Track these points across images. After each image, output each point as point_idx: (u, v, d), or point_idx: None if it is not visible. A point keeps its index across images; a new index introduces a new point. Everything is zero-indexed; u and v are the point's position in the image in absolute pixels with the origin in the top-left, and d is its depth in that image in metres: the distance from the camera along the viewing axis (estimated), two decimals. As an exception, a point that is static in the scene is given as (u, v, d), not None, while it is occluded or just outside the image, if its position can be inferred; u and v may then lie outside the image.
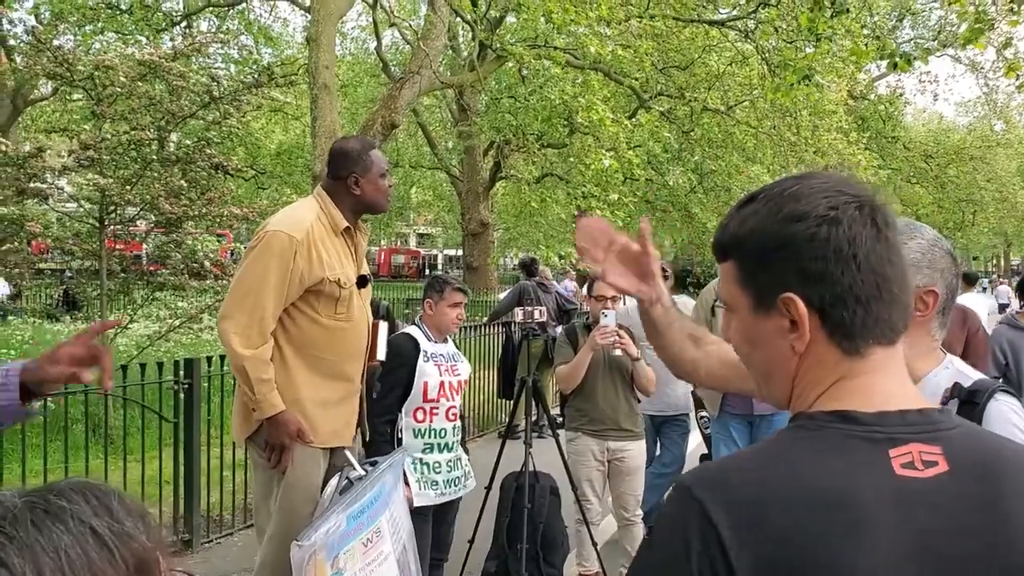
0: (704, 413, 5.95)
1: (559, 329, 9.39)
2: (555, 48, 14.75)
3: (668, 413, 5.71)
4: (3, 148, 7.82)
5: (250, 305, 3.01)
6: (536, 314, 4.95)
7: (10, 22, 16.23)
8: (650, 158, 19.92)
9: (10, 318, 14.36)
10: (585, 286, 4.98)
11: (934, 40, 15.80)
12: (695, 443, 6.41)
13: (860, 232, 1.02)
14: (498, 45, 16.20)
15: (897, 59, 8.53)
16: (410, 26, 21.35)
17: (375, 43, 21.40)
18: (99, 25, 18.20)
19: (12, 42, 19.53)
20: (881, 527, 0.92)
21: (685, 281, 23.40)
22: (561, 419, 5.26)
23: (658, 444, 5.84)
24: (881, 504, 0.93)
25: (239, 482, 5.86)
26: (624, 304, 4.96)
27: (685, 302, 5.98)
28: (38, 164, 7.60)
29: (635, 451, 4.75)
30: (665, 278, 5.85)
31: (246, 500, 5.91)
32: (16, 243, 8.18)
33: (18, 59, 18.50)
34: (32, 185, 7.61)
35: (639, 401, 4.83)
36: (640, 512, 4.85)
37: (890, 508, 0.93)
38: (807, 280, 1.02)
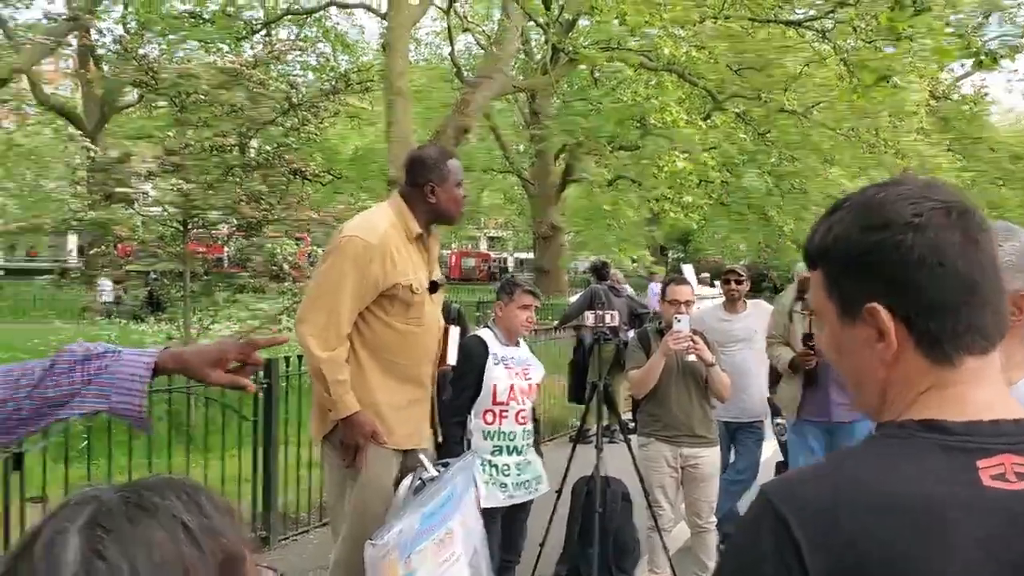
0: (780, 420, 5.85)
1: (631, 333, 9.34)
2: (628, 50, 14.67)
3: (743, 419, 5.63)
4: (92, 154, 8.13)
5: (327, 308, 3.07)
6: (608, 318, 4.93)
7: (99, 32, 16.83)
8: (725, 160, 19.65)
9: (112, 319, 14.85)
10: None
11: (1022, 37, 15.23)
12: (771, 450, 6.31)
13: (947, 239, 0.99)
14: (571, 48, 16.19)
15: (983, 57, 8.28)
16: (483, 31, 21.50)
17: (449, 48, 21.62)
18: (182, 34, 18.75)
19: (101, 51, 20.25)
20: (960, 537, 0.90)
21: (761, 285, 23.02)
22: (633, 424, 5.23)
23: (732, 451, 5.76)
24: (963, 513, 0.91)
25: (315, 481, 5.96)
26: (698, 308, 4.91)
27: (762, 306, 5.89)
28: (125, 169, 7.87)
29: (709, 457, 4.70)
30: (739, 282, 5.78)
31: (322, 499, 6.02)
32: (104, 246, 8.48)
33: (106, 68, 19.18)
34: (119, 190, 7.87)
35: (713, 407, 4.77)
36: (714, 519, 4.79)
37: (973, 519, 0.91)
38: (892, 289, 1.01)
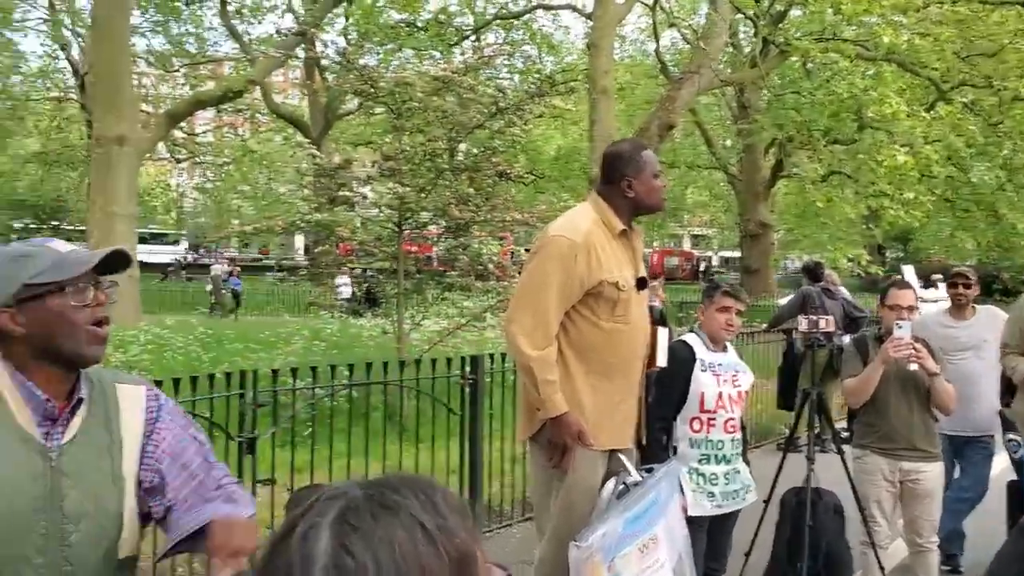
0: (1014, 436, 5.37)
1: (846, 339, 8.87)
2: (844, 40, 13.97)
3: (969, 433, 5.22)
4: (318, 160, 8.69)
5: (534, 308, 3.11)
6: (822, 323, 4.71)
7: (324, 44, 17.94)
8: (950, 153, 18.29)
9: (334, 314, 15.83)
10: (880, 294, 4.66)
11: None
12: (1000, 467, 5.80)
13: None
14: (782, 40, 15.62)
15: None
16: (690, 25, 21.14)
17: (654, 45, 21.41)
18: (398, 43, 19.68)
19: (325, 62, 21.60)
20: None
21: (991, 288, 21.25)
22: (847, 434, 4.97)
23: (956, 466, 5.35)
24: None
25: (519, 476, 6.09)
26: (920, 314, 4.59)
27: (993, 312, 5.43)
28: (346, 174, 8.36)
29: (931, 473, 4.38)
30: (968, 286, 5.36)
31: (525, 495, 6.14)
32: (327, 246, 9.05)
33: (330, 78, 20.42)
34: (341, 193, 8.37)
35: (936, 420, 4.45)
36: (935, 539, 4.47)
37: None
38: None
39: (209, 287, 25.49)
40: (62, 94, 29.52)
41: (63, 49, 27.56)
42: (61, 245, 1.74)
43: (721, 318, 3.92)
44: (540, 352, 3.08)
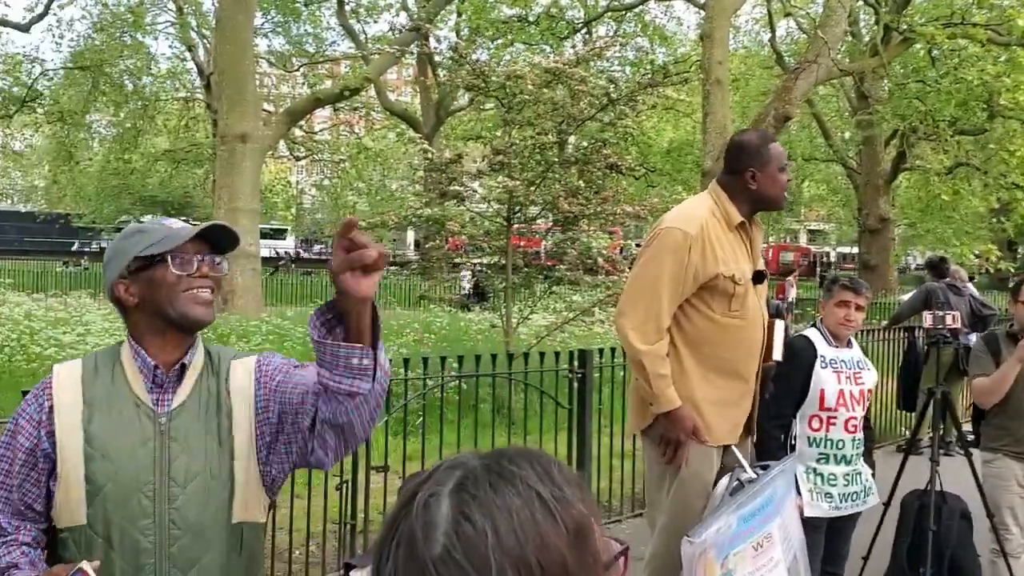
0: None
1: (972, 337, 8.46)
2: (974, 24, 13.30)
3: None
4: (430, 155, 8.82)
5: (646, 302, 3.07)
6: (948, 319, 4.50)
7: (437, 40, 18.22)
8: (1092, 143, 17.19)
9: (444, 308, 16.11)
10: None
11: None
12: None
13: None
14: (905, 26, 15.01)
15: None
16: (807, 14, 20.50)
17: (769, 34, 20.89)
18: (510, 38, 19.80)
19: (437, 58, 21.92)
20: None
21: None
22: (974, 437, 4.74)
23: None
24: None
25: (627, 471, 6.05)
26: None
27: None
28: (457, 169, 8.46)
29: (1070, 480, 4.14)
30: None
31: (634, 489, 6.10)
32: (438, 240, 9.18)
33: (442, 74, 20.73)
34: (452, 188, 8.48)
35: (1075, 423, 4.19)
36: (1074, 550, 4.22)
37: None
38: None
39: None
40: (189, 94, 30.88)
41: (190, 51, 28.84)
42: (174, 223, 1.86)
43: (839, 313, 3.77)
44: (651, 347, 3.04)
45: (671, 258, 3.06)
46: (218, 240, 1.86)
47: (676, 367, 3.09)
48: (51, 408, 1.78)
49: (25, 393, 2.90)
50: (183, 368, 1.83)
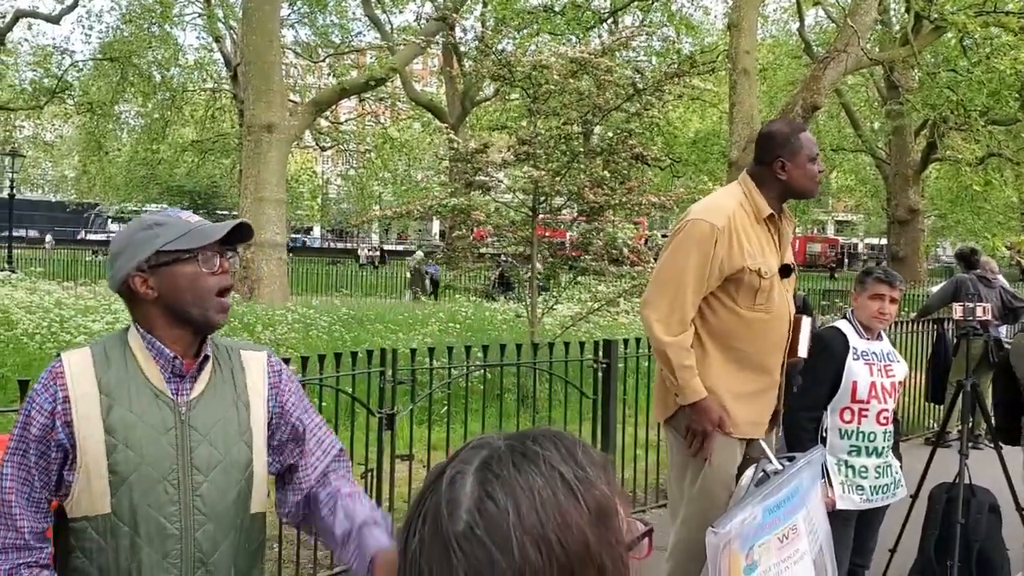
0: None
1: (1002, 329, 8.36)
2: (1007, 13, 13.09)
3: None
4: (455, 145, 8.83)
5: (671, 293, 3.06)
6: (979, 311, 4.45)
7: (463, 30, 18.21)
8: None
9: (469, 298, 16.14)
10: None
11: None
12: None
13: None
14: (936, 15, 14.79)
15: None
16: (836, 2, 20.28)
17: (797, 23, 20.69)
18: (535, 27, 19.73)
19: (462, 49, 21.90)
20: None
21: None
22: (1004, 432, 4.68)
23: None
24: None
25: (651, 462, 6.04)
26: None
27: None
28: (483, 159, 8.46)
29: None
30: None
31: (658, 480, 6.09)
32: (463, 230, 9.19)
33: (467, 64, 20.69)
34: (478, 178, 8.48)
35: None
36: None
37: None
38: None
39: (409, 272, 26.23)
40: (216, 85, 31.09)
41: (217, 42, 29.00)
42: (190, 216, 1.86)
43: (873, 306, 3.72)
44: (675, 338, 3.03)
45: (697, 250, 3.04)
46: (230, 235, 1.87)
47: (701, 359, 3.08)
48: (66, 398, 1.76)
49: (24, 384, 2.96)
50: (205, 359, 1.85)
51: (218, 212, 30.13)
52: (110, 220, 41.71)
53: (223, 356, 1.91)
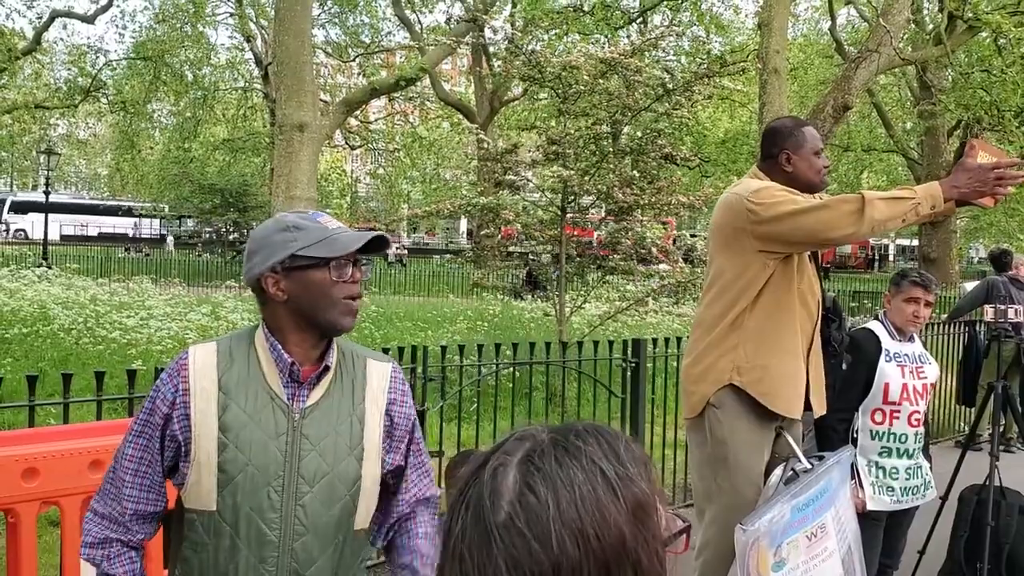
0: None
1: (1037, 331, 8.27)
2: (1043, 12, 12.91)
3: None
4: (485, 145, 8.88)
5: (802, 209, 2.97)
6: (1011, 313, 4.43)
7: (492, 31, 18.26)
8: None
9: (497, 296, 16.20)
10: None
11: None
12: None
13: None
14: (971, 15, 14.64)
15: None
16: (868, 2, 20.11)
17: (828, 23, 20.54)
18: (564, 27, 19.74)
19: (492, 49, 21.95)
20: None
21: None
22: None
23: None
24: None
25: (680, 462, 6.06)
26: None
27: None
28: (512, 159, 8.50)
29: None
30: None
31: (686, 479, 6.10)
32: (492, 229, 9.24)
33: (496, 64, 20.76)
34: (507, 177, 8.52)
35: None
36: None
37: None
38: None
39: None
40: (247, 84, 31.38)
41: (248, 41, 29.29)
42: (329, 221, 1.86)
43: (908, 309, 3.72)
44: (847, 206, 2.86)
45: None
46: (366, 244, 1.86)
47: (752, 334, 3.07)
48: (186, 391, 1.79)
49: (67, 378, 3.04)
50: (325, 369, 1.84)
51: (249, 210, 30.32)
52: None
53: (347, 364, 1.89)
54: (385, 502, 1.95)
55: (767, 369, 3.08)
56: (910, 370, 3.67)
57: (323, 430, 1.82)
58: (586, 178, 8.21)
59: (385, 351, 4.86)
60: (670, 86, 8.16)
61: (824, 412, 3.33)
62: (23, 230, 43.44)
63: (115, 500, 1.84)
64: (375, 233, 1.85)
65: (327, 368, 1.84)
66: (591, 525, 0.82)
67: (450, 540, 0.87)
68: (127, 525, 1.84)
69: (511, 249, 10.38)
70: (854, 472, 3.51)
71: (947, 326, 8.62)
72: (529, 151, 9.10)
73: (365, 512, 1.88)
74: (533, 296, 14.58)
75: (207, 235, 34.79)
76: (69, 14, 26.08)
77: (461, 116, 25.49)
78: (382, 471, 1.91)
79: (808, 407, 3.25)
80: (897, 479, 3.65)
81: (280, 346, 1.81)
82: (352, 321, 1.85)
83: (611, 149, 8.31)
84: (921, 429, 3.73)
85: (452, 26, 19.52)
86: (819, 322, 3.26)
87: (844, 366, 3.54)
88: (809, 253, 3.20)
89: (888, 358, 3.65)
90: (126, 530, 1.84)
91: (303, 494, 1.79)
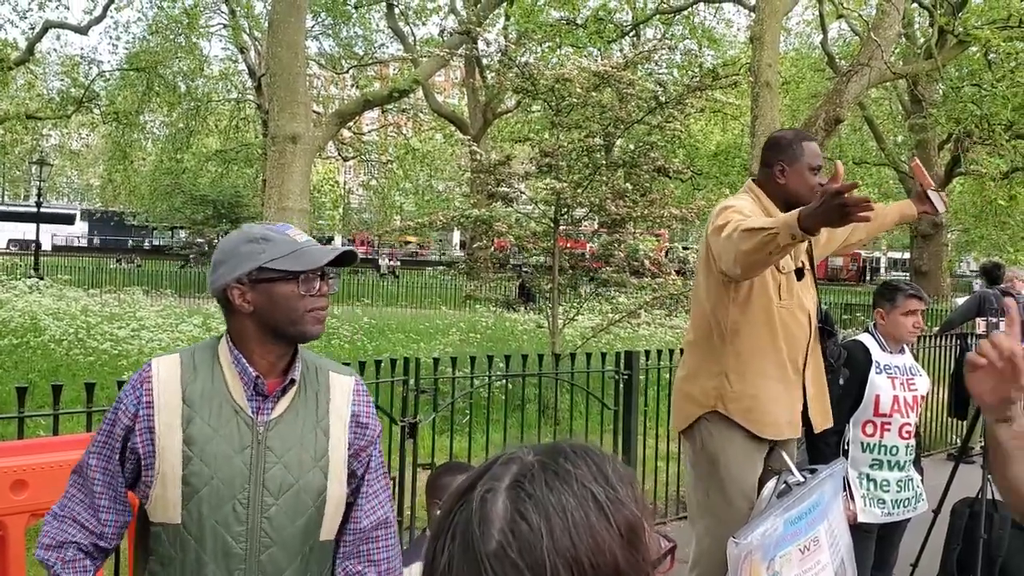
0: None
1: (1027, 344, 8.29)
2: (1033, 27, 13.02)
3: None
4: (478, 157, 8.89)
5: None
6: (1003, 326, 4.44)
7: (486, 43, 18.33)
8: None
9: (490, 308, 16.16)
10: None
11: None
12: None
13: None
14: (961, 29, 14.75)
15: None
16: (860, 16, 20.23)
17: (820, 37, 20.65)
18: (557, 40, 19.83)
19: (485, 61, 22.01)
20: None
21: None
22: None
23: None
24: None
25: (672, 474, 6.05)
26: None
27: None
28: (505, 171, 8.51)
29: None
30: None
31: (678, 492, 6.09)
32: (485, 241, 9.24)
33: (489, 76, 20.80)
34: (500, 189, 8.53)
35: None
36: None
37: None
38: None
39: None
40: (240, 95, 31.41)
41: (242, 53, 29.34)
42: (297, 234, 1.85)
43: (908, 322, 3.72)
44: (730, 230, 2.78)
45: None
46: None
47: (736, 360, 3.06)
48: (149, 403, 1.78)
49: (57, 389, 3.03)
50: (290, 383, 1.84)
51: (241, 221, 30.32)
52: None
53: (311, 377, 1.89)
54: (345, 518, 1.95)
55: (755, 399, 3.07)
56: (901, 382, 3.68)
57: (288, 443, 1.81)
58: (579, 190, 8.23)
59: (377, 363, 4.87)
60: (663, 99, 8.19)
61: (827, 427, 3.31)
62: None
63: (87, 509, 1.82)
64: (344, 249, 1.86)
65: (292, 381, 1.84)
66: (585, 553, 0.80)
67: (435, 571, 0.84)
68: (91, 531, 1.83)
69: (504, 261, 10.38)
70: (845, 484, 3.50)
71: (939, 339, 8.65)
72: (522, 163, 9.11)
73: (331, 523, 1.88)
74: (526, 308, 14.56)
75: (199, 246, 34.73)
76: (62, 25, 26.06)
77: (454, 128, 25.58)
78: (348, 483, 1.91)
79: (807, 422, 3.24)
80: (888, 491, 3.65)
81: (244, 359, 1.81)
82: (321, 328, 1.85)
83: (604, 161, 8.33)
84: (912, 441, 3.73)
85: (445, 38, 19.56)
86: (814, 337, 3.25)
87: (841, 380, 3.52)
88: (804, 264, 3.20)
89: (879, 370, 3.66)
90: (88, 535, 1.83)
91: (268, 506, 1.78)
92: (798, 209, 2.62)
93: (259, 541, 1.78)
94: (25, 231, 45.26)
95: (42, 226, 44.31)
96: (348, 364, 4.50)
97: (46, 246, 40.83)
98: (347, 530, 1.94)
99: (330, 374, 1.93)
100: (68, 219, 46.33)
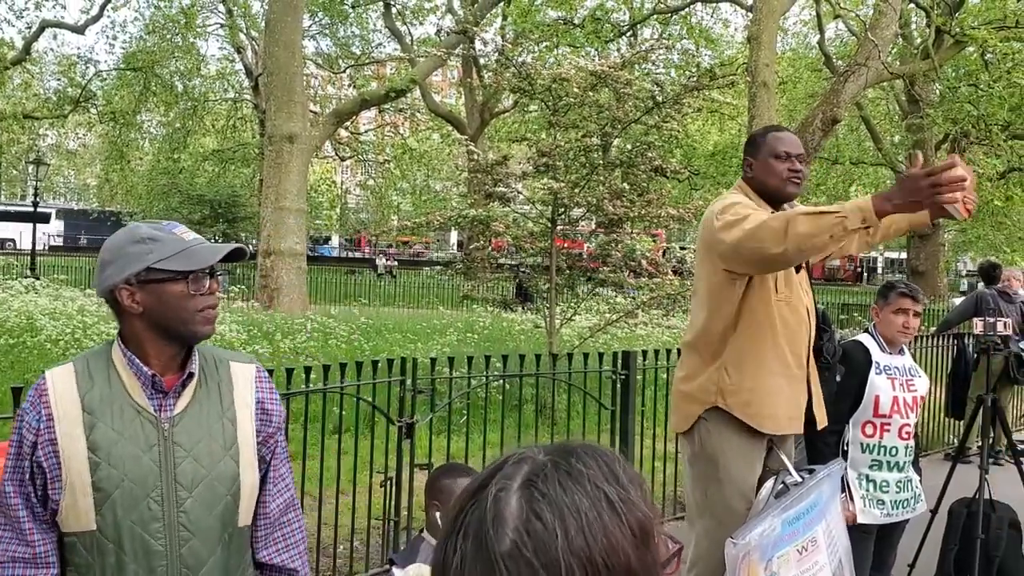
0: None
1: (1023, 344, 8.31)
2: (1029, 27, 13.04)
3: None
4: (475, 157, 8.88)
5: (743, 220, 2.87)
6: (999, 326, 4.45)
7: (483, 43, 18.34)
8: None
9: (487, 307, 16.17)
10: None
11: None
12: None
13: None
14: (958, 30, 14.77)
15: None
16: (857, 16, 20.26)
17: (817, 37, 20.68)
18: (555, 40, 19.84)
19: (482, 60, 22.02)
20: None
21: None
22: (1025, 446, 4.67)
23: None
24: None
25: (670, 474, 6.05)
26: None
27: None
28: (502, 171, 8.50)
29: None
30: None
31: (676, 492, 6.09)
32: (482, 241, 9.23)
33: (487, 76, 20.81)
34: (497, 189, 8.52)
35: None
36: None
37: None
38: None
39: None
40: (237, 95, 31.38)
41: (239, 53, 29.32)
42: (185, 232, 1.85)
43: (898, 320, 3.72)
44: (776, 221, 2.71)
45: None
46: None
47: (739, 356, 3.05)
48: (49, 416, 1.77)
49: (17, 391, 3.02)
50: (189, 376, 1.84)
51: (238, 221, 30.30)
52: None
53: (210, 369, 1.90)
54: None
55: (753, 391, 3.05)
56: (900, 383, 3.67)
57: (195, 436, 1.82)
58: (576, 190, 8.22)
59: (375, 363, 4.86)
60: (660, 99, 8.18)
61: (826, 424, 3.31)
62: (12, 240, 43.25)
63: (21, 544, 1.80)
64: (233, 246, 1.86)
65: (191, 375, 1.84)
66: (599, 553, 0.80)
67: (447, 570, 0.83)
68: (38, 563, 1.80)
69: (501, 261, 10.37)
70: (844, 485, 3.50)
71: (936, 339, 8.65)
72: (519, 163, 9.09)
73: (247, 508, 1.90)
74: (523, 308, 14.57)
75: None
76: (59, 24, 26.04)
77: (451, 128, 25.54)
78: (259, 467, 1.93)
79: (812, 420, 3.23)
80: (887, 492, 3.65)
81: (138, 359, 1.81)
82: (211, 329, 1.85)
83: (601, 161, 8.32)
84: (911, 442, 3.73)
85: (442, 38, 19.60)
86: (814, 331, 3.25)
87: (838, 378, 3.52)
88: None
89: (879, 371, 3.65)
90: (37, 568, 1.80)
91: (183, 500, 1.80)
92: (873, 195, 2.55)
93: (178, 535, 1.79)
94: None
95: (14, 224, 44.12)
96: (346, 364, 4.51)
97: (20, 244, 40.53)
98: (258, 515, 1.96)
99: (231, 364, 1.94)
100: (43, 218, 46.03)
